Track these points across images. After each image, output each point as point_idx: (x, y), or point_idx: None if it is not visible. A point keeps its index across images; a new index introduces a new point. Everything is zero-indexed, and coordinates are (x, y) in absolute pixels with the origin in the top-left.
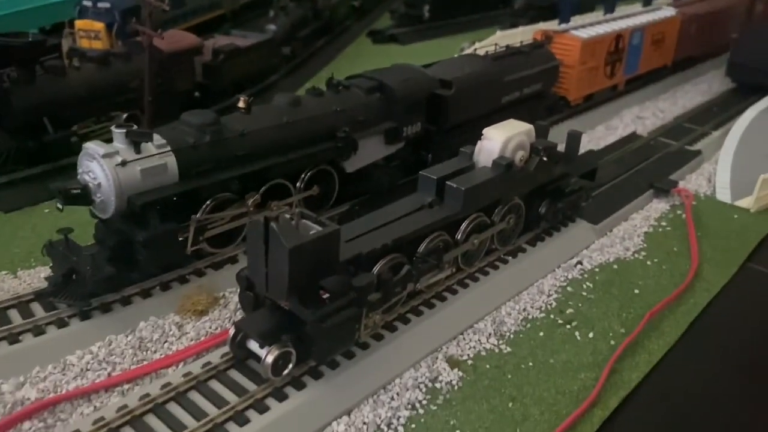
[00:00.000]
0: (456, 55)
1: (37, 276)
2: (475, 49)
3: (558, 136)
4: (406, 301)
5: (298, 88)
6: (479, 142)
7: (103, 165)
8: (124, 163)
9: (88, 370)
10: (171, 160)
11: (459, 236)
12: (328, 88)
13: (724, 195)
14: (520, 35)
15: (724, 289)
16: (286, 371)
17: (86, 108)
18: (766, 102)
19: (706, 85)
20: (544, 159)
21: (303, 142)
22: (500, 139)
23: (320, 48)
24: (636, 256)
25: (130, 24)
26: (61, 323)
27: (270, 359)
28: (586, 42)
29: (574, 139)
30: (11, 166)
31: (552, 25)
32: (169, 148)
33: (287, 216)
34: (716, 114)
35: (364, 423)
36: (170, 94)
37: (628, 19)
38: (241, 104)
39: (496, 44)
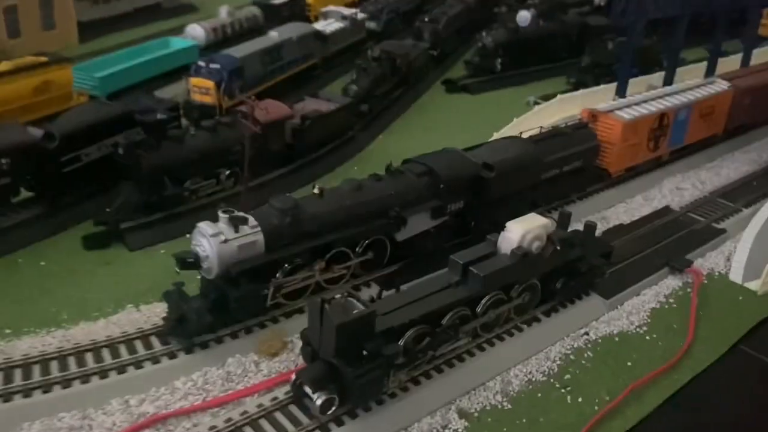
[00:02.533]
0: (498, 136)
1: (154, 311)
2: (536, 103)
3: (598, 203)
4: (431, 360)
5: (372, 140)
6: (502, 233)
7: (211, 242)
8: (225, 241)
9: (189, 394)
10: (260, 238)
11: (479, 310)
12: (386, 173)
13: (736, 275)
14: (579, 99)
15: (710, 369)
16: (330, 411)
17: (197, 167)
18: None
19: (755, 154)
20: (558, 248)
21: (361, 219)
22: (519, 232)
23: (396, 99)
24: (638, 330)
25: (238, 94)
26: (172, 355)
27: (319, 402)
28: (627, 123)
29: (589, 228)
30: (137, 214)
31: (611, 89)
32: (259, 228)
33: (338, 296)
34: (754, 189)
35: None
36: (265, 155)
37: (676, 96)
38: (316, 191)
39: (541, 127)
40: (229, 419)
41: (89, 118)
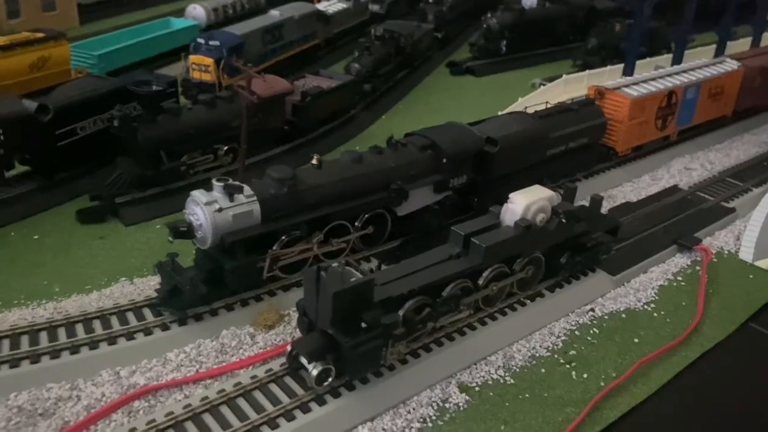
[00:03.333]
0: (503, 113)
1: (148, 284)
2: (542, 85)
3: (605, 182)
4: (431, 333)
5: (375, 120)
6: (505, 204)
7: (205, 210)
8: (220, 210)
9: (181, 365)
10: (256, 207)
11: (480, 282)
12: (387, 146)
13: (746, 254)
14: (586, 79)
15: (719, 346)
16: (326, 383)
17: (195, 142)
18: None
19: (766, 136)
20: (563, 221)
21: (362, 192)
22: (522, 204)
23: (399, 80)
24: (645, 307)
25: (235, 60)
26: (164, 327)
27: (315, 372)
28: (635, 100)
29: (595, 202)
30: (133, 189)
31: (618, 70)
32: (255, 198)
33: (335, 265)
34: (765, 169)
35: (383, 429)
36: (264, 131)
37: (685, 75)
38: (314, 161)
39: (546, 102)
40: (222, 390)
41: (85, 92)
